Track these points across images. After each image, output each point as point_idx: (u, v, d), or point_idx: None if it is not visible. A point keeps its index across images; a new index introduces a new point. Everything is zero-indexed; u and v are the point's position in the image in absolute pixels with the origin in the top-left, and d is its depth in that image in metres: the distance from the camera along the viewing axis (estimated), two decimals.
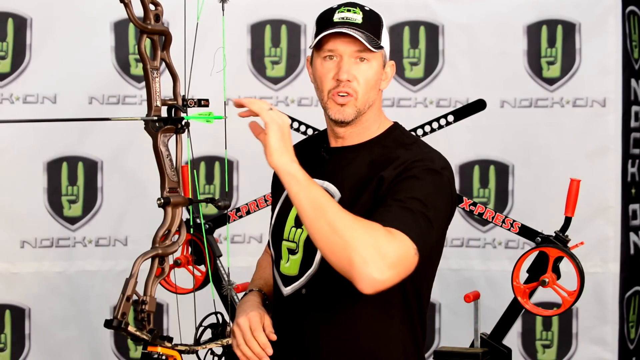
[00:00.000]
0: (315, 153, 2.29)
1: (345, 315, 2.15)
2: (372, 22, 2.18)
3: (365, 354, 2.16)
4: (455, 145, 4.22)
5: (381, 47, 2.18)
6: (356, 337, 2.15)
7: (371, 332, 2.15)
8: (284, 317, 2.25)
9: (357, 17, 2.17)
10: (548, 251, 3.17)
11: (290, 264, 2.22)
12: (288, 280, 2.22)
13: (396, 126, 2.28)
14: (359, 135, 2.23)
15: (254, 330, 2.17)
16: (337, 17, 2.17)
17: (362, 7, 2.20)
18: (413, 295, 2.18)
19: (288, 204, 2.25)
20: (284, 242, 2.25)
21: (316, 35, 2.19)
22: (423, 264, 2.03)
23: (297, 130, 3.55)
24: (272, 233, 2.30)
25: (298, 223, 2.22)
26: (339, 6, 2.20)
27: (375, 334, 2.15)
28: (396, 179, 2.09)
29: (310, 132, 3.52)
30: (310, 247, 2.17)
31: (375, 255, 1.91)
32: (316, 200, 1.95)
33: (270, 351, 2.16)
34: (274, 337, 2.18)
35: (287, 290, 2.23)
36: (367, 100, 2.18)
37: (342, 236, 1.92)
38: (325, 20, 2.18)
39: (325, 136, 2.31)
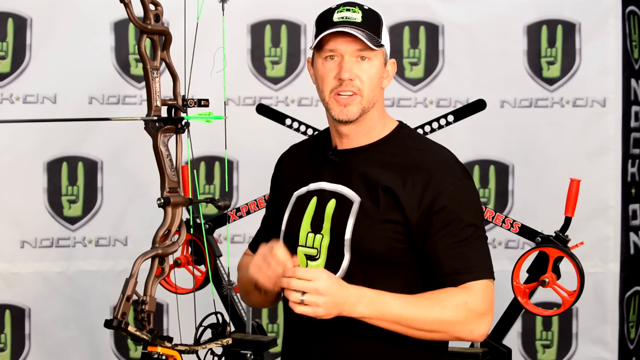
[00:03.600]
0: (321, 154, 2.28)
1: None
2: (371, 21, 2.18)
3: (394, 352, 2.16)
4: (455, 145, 4.18)
5: (382, 45, 2.18)
6: (382, 343, 2.14)
7: (397, 338, 2.13)
8: (303, 325, 2.20)
9: (357, 16, 2.17)
10: (548, 251, 3.17)
11: None
12: None
13: (402, 125, 2.28)
14: (365, 136, 2.22)
15: (271, 250, 2.11)
16: (336, 16, 2.17)
17: (361, 7, 2.20)
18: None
19: (299, 209, 2.24)
20: (300, 249, 2.22)
21: (316, 35, 2.19)
22: None
23: (297, 130, 3.55)
24: (285, 239, 2.26)
25: (316, 228, 2.21)
26: (338, 6, 2.20)
27: (400, 340, 2.13)
28: (431, 207, 2.12)
29: (310, 132, 3.52)
30: (334, 253, 2.17)
31: (476, 320, 2.12)
32: (397, 320, 2.08)
33: (290, 264, 2.10)
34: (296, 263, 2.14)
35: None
36: (371, 98, 2.19)
37: (439, 331, 2.11)
38: (324, 20, 2.18)
39: (328, 137, 2.29)
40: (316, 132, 3.47)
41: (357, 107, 2.17)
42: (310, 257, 2.21)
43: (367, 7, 2.21)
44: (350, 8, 2.19)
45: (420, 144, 2.24)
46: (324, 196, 2.21)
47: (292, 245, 2.23)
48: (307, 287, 2.02)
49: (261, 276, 2.13)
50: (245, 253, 2.52)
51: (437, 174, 2.14)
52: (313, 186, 2.24)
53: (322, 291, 2.02)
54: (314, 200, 2.23)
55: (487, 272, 2.16)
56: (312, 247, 2.21)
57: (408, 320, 2.08)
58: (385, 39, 2.21)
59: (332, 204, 2.20)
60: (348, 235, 2.15)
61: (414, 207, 2.12)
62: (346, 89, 2.16)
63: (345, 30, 2.13)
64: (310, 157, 2.32)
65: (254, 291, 2.26)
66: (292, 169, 2.35)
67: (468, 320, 2.10)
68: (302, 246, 2.22)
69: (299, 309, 2.03)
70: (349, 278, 2.14)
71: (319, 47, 2.19)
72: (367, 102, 2.18)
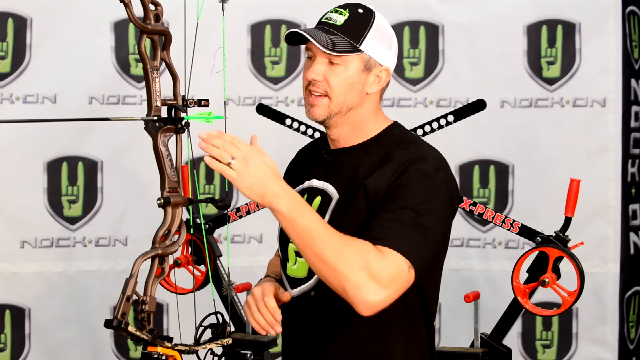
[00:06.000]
0: (318, 155, 2.30)
1: (353, 318, 2.09)
2: (354, 25, 2.16)
3: (372, 356, 2.16)
4: (455, 145, 4.22)
5: (357, 51, 2.15)
6: (364, 339, 2.15)
7: (379, 334, 2.14)
8: (290, 319, 2.25)
9: (340, 19, 2.16)
10: (548, 251, 3.17)
11: (298, 266, 2.22)
12: (295, 282, 2.22)
13: (395, 125, 2.27)
14: (353, 137, 2.23)
15: (265, 295, 2.17)
16: (324, 17, 2.19)
17: (353, 9, 2.18)
18: (416, 298, 2.17)
19: None
20: (290, 245, 2.24)
21: None
22: (425, 268, 2.05)
23: (297, 130, 3.55)
24: (280, 235, 2.29)
25: None
26: (336, 7, 2.21)
27: (383, 336, 2.14)
28: (390, 186, 2.08)
29: (310, 132, 3.52)
30: None
31: (367, 279, 1.94)
32: (304, 232, 1.96)
33: (278, 316, 2.15)
34: (287, 298, 2.19)
35: (294, 292, 2.22)
36: (343, 102, 2.17)
37: (331, 265, 1.95)
38: (319, 19, 2.21)
39: (326, 138, 2.31)
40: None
41: (323, 109, 2.18)
42: (298, 253, 2.22)
43: (360, 11, 2.18)
44: (340, 10, 2.18)
45: (407, 143, 2.21)
46: (312, 193, 2.24)
47: (285, 241, 2.26)
48: (237, 153, 1.97)
49: (250, 317, 2.19)
50: (276, 254, 2.52)
51: (407, 163, 2.11)
52: (307, 184, 2.27)
53: (249, 160, 1.95)
54: (304, 197, 2.24)
55: (406, 251, 1.99)
56: None
57: (313, 239, 1.96)
58: (372, 44, 2.17)
59: (317, 201, 2.21)
60: None
61: (378, 192, 2.09)
62: (313, 89, 2.18)
63: (300, 32, 2.14)
64: (310, 158, 2.35)
65: None
66: (294, 170, 2.39)
67: (361, 272, 1.94)
68: (291, 242, 2.23)
69: (217, 166, 1.97)
70: None
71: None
72: (336, 105, 2.17)
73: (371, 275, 1.94)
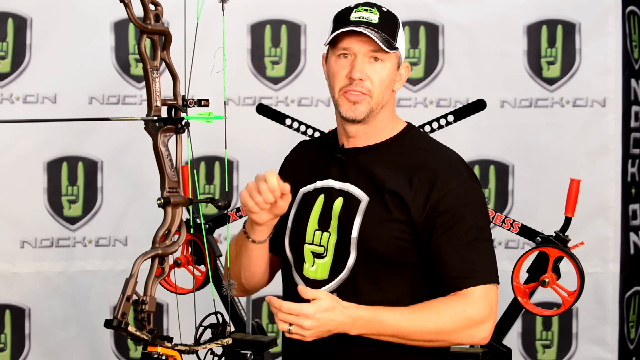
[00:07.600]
0: (329, 153, 2.28)
1: None
2: (388, 23, 2.20)
3: (396, 357, 2.17)
4: (455, 145, 4.17)
5: (396, 48, 2.19)
6: (383, 344, 2.14)
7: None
8: None
9: (374, 17, 2.18)
10: (548, 251, 3.17)
11: (317, 268, 2.21)
12: (315, 284, 2.20)
13: (411, 126, 2.29)
14: (373, 136, 2.23)
15: (266, 176, 2.11)
16: (354, 16, 2.18)
17: (379, 8, 2.22)
18: (427, 298, 2.18)
19: (306, 206, 2.25)
20: (307, 246, 2.23)
21: (332, 33, 2.19)
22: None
23: (297, 130, 3.55)
24: (291, 236, 2.28)
25: (323, 226, 2.22)
26: (357, 5, 2.21)
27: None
28: (438, 208, 2.12)
29: (310, 132, 3.52)
30: (340, 251, 2.18)
31: (474, 328, 2.12)
32: (393, 334, 2.09)
33: (278, 194, 2.10)
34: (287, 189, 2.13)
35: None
36: (381, 100, 2.19)
37: (438, 340, 2.12)
38: (341, 18, 2.20)
39: (335, 136, 2.30)
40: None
41: (365, 106, 2.18)
42: (317, 255, 2.22)
43: (385, 9, 2.22)
44: (369, 9, 2.20)
45: (428, 144, 2.25)
46: (331, 194, 2.22)
47: (298, 242, 2.25)
48: (292, 321, 2.06)
49: (251, 201, 2.13)
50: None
51: (442, 175, 2.15)
52: (320, 184, 2.25)
53: (306, 326, 2.05)
54: (321, 197, 2.23)
55: (489, 276, 2.14)
56: (319, 245, 2.22)
57: (405, 333, 2.09)
58: (401, 41, 2.22)
59: (339, 202, 2.20)
60: (355, 233, 2.16)
61: (419, 207, 2.13)
62: (356, 89, 2.17)
63: (360, 30, 2.14)
64: (318, 155, 2.33)
65: (242, 250, 2.31)
66: (299, 165, 2.36)
67: (466, 327, 2.10)
68: (309, 243, 2.23)
69: (287, 335, 2.08)
70: (354, 276, 2.16)
71: (333, 45, 2.19)
72: (375, 103, 2.18)
73: (474, 322, 2.11)
